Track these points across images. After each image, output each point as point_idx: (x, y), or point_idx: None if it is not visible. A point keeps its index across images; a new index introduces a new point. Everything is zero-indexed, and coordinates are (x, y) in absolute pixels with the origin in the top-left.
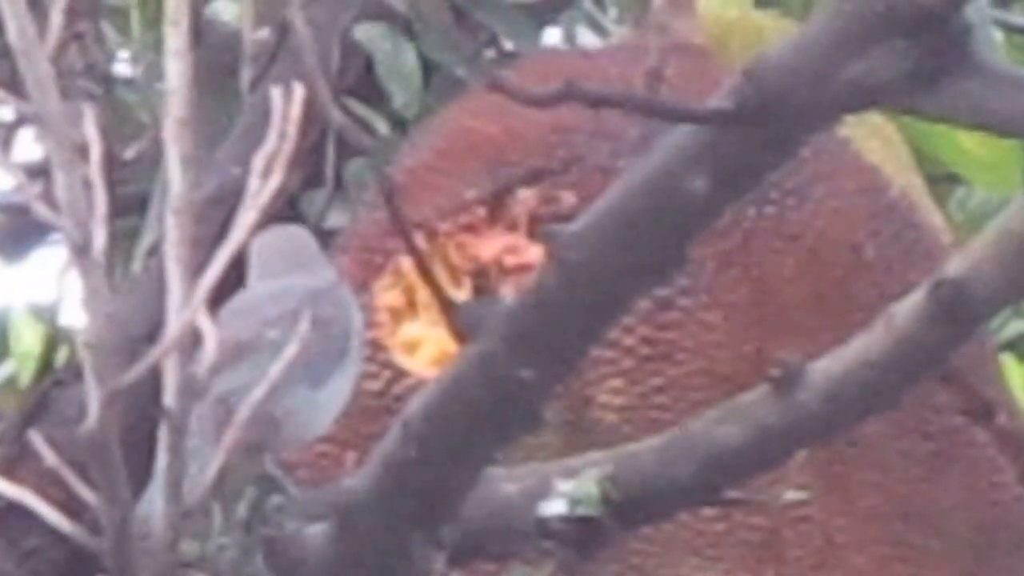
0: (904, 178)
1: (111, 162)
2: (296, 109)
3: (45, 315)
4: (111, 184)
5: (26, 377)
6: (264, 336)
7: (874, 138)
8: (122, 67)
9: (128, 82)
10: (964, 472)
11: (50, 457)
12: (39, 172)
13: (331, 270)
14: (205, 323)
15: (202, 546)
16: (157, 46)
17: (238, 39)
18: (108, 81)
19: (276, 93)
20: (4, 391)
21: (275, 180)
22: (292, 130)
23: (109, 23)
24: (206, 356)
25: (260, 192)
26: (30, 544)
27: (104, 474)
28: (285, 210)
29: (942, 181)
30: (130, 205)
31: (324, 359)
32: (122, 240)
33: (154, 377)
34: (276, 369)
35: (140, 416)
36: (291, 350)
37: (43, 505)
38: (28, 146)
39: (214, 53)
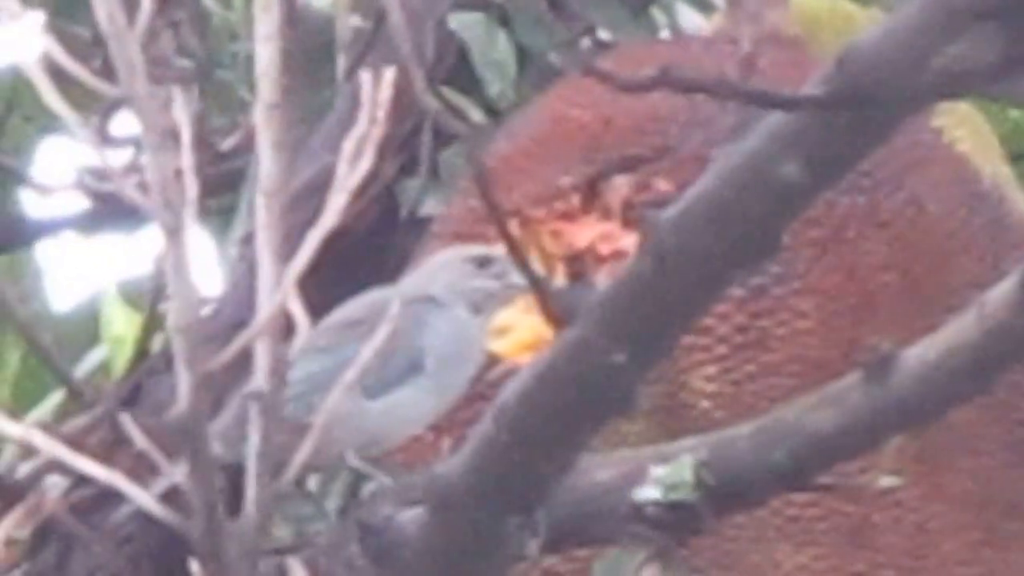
0: (992, 167)
1: (204, 147)
2: (386, 93)
3: (139, 298)
4: (203, 166)
5: (119, 362)
6: (313, 342)
7: (963, 127)
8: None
9: (233, 56)
10: None
11: (140, 439)
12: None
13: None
14: (296, 307)
15: (297, 531)
16: None
17: (332, 25)
18: (206, 63)
19: (366, 78)
20: (97, 376)
21: (364, 164)
22: (381, 114)
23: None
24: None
25: (349, 175)
26: (126, 531)
27: (194, 458)
28: (381, 198)
29: None
30: (226, 183)
31: (384, 371)
32: (217, 217)
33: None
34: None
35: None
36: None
37: (134, 488)
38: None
39: (309, 38)
